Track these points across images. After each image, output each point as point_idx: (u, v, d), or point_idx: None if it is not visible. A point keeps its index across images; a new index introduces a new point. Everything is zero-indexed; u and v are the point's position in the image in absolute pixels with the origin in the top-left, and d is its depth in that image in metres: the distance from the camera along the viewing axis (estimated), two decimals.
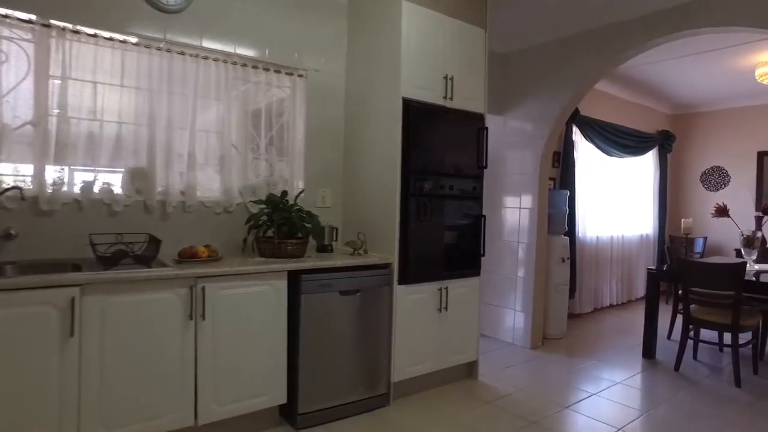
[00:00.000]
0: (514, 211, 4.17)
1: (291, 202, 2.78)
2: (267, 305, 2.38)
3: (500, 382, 3.25)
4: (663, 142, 6.34)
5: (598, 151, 5.31)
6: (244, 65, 2.83)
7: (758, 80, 4.43)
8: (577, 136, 5.02)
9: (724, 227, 5.95)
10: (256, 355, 2.35)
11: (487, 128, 3.21)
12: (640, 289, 6.19)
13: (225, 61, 2.75)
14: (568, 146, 4.86)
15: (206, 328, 2.19)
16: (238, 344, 2.29)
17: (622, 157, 5.63)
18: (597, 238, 5.42)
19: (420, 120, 2.87)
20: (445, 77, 2.99)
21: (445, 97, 2.99)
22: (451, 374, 3.20)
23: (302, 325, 2.47)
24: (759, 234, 3.86)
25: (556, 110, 3.88)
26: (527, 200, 4.05)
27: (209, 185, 2.77)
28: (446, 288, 3.05)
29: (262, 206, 2.69)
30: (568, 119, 4.84)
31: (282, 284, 2.42)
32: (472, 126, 3.15)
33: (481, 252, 3.24)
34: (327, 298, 2.56)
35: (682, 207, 6.65)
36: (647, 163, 6.30)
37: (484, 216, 3.25)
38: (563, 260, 4.29)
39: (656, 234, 6.44)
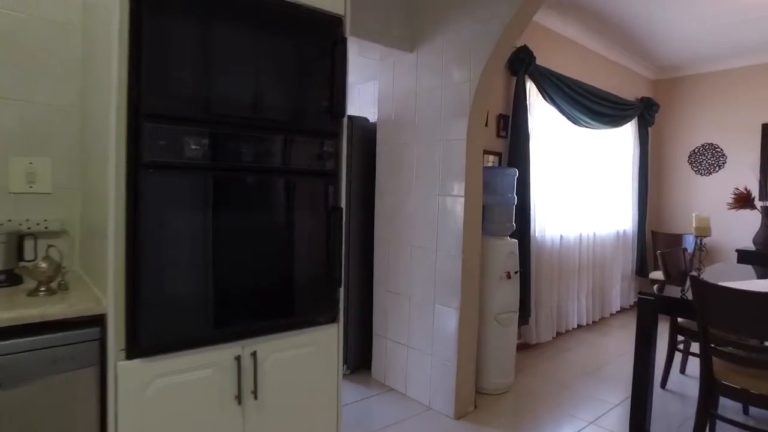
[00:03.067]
0: (430, 202, 2.67)
1: None
2: None
3: None
4: (644, 112, 4.95)
5: (563, 119, 3.87)
6: None
7: None
8: (532, 94, 3.55)
9: (724, 221, 4.62)
10: None
11: (345, 40, 1.68)
12: (616, 302, 4.82)
13: None
14: (520, 108, 3.38)
15: None
16: None
17: (593, 127, 4.20)
18: (561, 238, 3.97)
19: (174, 10, 1.32)
20: None
21: None
22: None
23: None
24: None
25: (488, 42, 2.38)
26: (451, 185, 2.56)
27: None
28: (254, 354, 1.52)
29: None
30: (518, 68, 3.37)
31: None
32: (317, 36, 1.62)
33: (338, 279, 1.72)
34: None
35: (665, 195, 5.31)
36: (625, 138, 4.91)
37: (340, 209, 1.71)
38: (508, 275, 2.82)
39: (635, 230, 5.07)
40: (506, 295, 2.85)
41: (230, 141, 1.43)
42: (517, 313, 2.95)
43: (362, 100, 4.08)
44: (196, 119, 1.36)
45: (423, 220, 2.72)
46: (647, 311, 2.31)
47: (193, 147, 1.37)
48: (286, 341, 1.59)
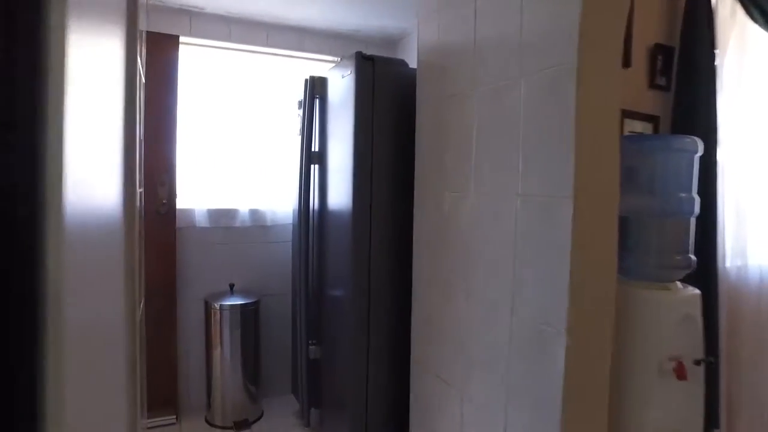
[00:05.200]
0: (503, 208, 1.27)
1: None
2: None
3: None
4: None
5: None
6: None
7: None
8: (725, 5, 1.92)
9: None
10: None
11: None
12: None
13: None
14: (697, 34, 1.79)
15: None
16: None
17: None
18: None
19: None
20: None
21: None
22: None
23: None
24: None
25: None
26: (545, 174, 1.15)
27: None
28: None
29: None
30: None
31: None
32: None
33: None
34: None
35: None
36: None
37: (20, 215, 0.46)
38: (681, 371, 1.29)
39: None
40: (676, 409, 1.32)
41: None
42: (703, 413, 1.40)
43: None
44: None
45: (487, 244, 1.33)
46: None
47: None
48: None
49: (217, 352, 2.49)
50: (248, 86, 2.73)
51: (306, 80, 2.19)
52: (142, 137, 1.37)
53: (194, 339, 2.59)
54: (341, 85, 1.93)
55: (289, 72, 2.82)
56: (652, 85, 1.82)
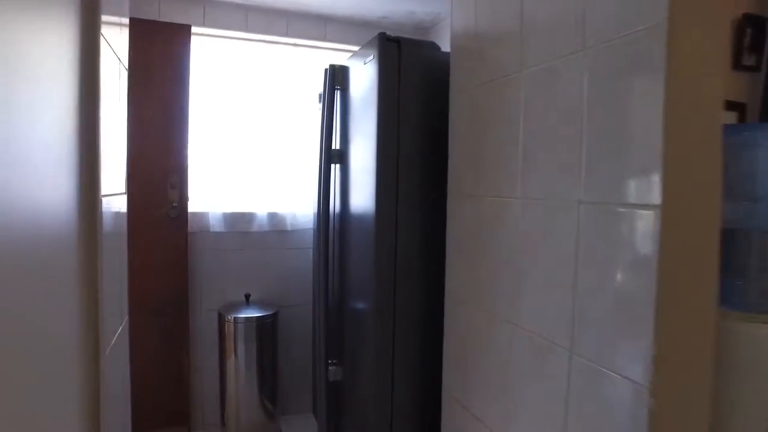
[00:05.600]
0: (560, 219, 1.00)
1: None
2: None
3: None
4: None
5: None
6: None
7: None
8: None
9: None
10: None
11: None
12: None
13: None
14: None
15: None
16: None
17: None
18: None
19: None
20: None
21: None
22: None
23: None
24: None
25: None
26: (621, 175, 0.87)
27: None
28: None
29: None
30: None
31: None
32: None
33: None
34: None
35: None
36: None
37: None
38: None
39: None
40: None
41: None
42: None
43: None
44: None
45: (537, 261, 1.07)
46: None
47: None
48: None
49: (231, 367, 2.31)
50: (266, 80, 2.53)
51: (326, 70, 1.97)
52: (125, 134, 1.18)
53: (207, 352, 2.41)
54: (363, 73, 1.69)
55: (310, 64, 2.60)
56: (738, 65, 1.50)
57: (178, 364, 2.31)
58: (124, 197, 1.18)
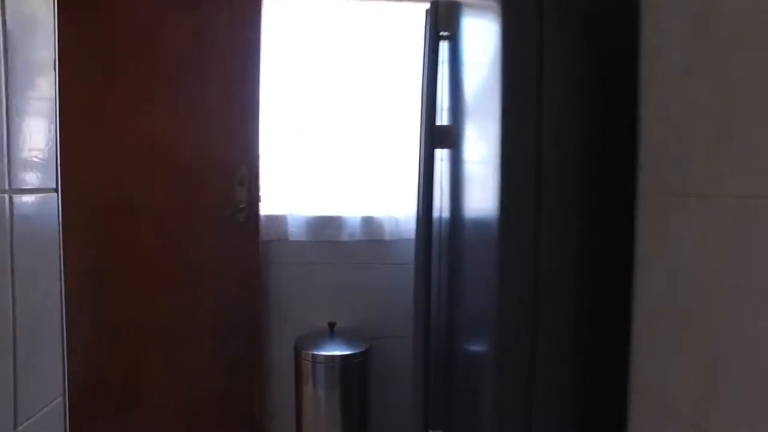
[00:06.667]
0: None
1: None
2: None
3: None
4: None
5: None
6: None
7: None
8: None
9: None
10: None
11: None
12: None
13: None
14: None
15: None
16: None
17: None
18: None
19: None
20: None
21: None
22: None
23: None
24: None
25: None
26: None
27: None
28: None
29: None
30: None
31: None
32: None
33: None
34: None
35: None
36: None
37: None
38: None
39: None
40: None
41: None
42: None
43: None
44: None
45: None
46: None
47: None
48: None
49: (309, 414, 1.82)
50: (358, 50, 2.01)
51: (427, 11, 1.37)
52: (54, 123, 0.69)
53: (282, 392, 1.97)
54: (482, 13, 1.06)
55: (416, 28, 2.02)
56: None
57: (248, 402, 1.88)
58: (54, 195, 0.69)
